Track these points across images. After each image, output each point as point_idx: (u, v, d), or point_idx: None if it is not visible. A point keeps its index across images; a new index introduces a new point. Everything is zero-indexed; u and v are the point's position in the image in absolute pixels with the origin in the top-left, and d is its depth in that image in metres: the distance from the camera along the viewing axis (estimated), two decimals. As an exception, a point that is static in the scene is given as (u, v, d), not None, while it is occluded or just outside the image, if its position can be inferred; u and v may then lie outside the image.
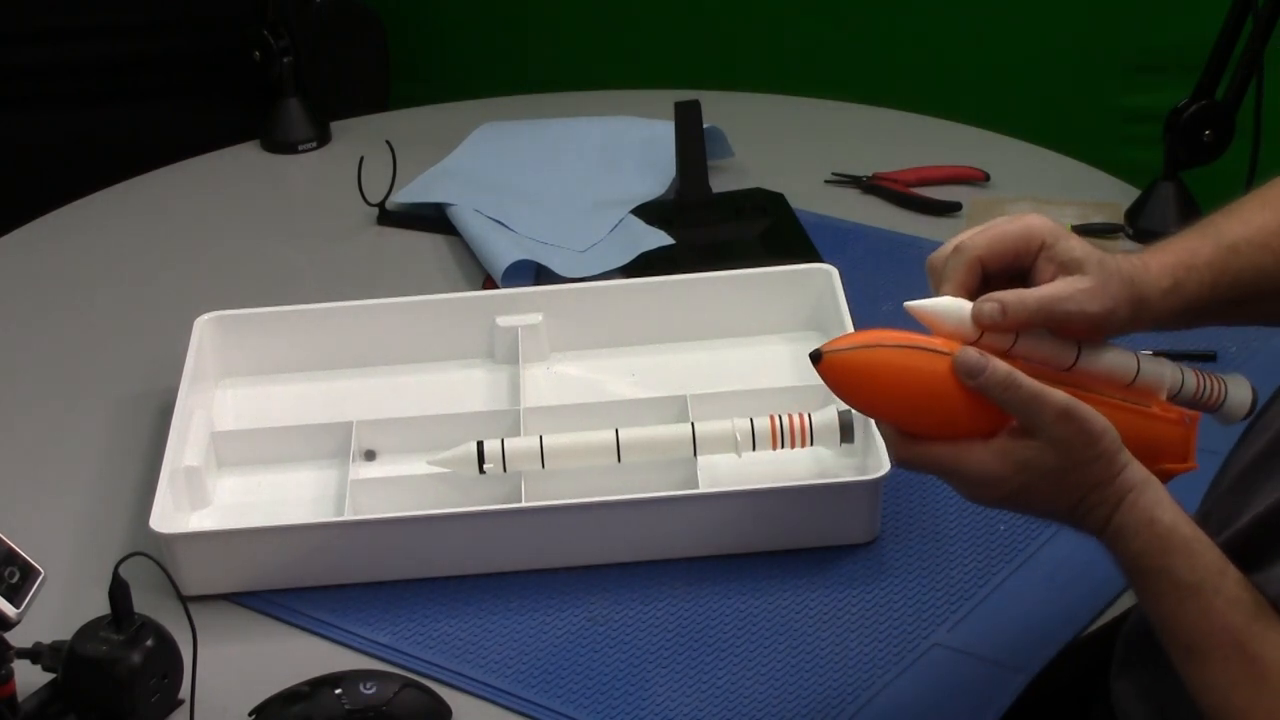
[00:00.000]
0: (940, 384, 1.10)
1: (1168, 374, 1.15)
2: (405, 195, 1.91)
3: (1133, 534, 1.06)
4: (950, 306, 1.11)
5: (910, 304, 1.10)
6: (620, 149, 1.98)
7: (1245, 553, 1.08)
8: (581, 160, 1.98)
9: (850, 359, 1.10)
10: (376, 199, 1.90)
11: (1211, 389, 1.18)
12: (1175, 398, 1.17)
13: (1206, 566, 1.05)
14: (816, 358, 1.10)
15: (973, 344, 1.10)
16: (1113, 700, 1.23)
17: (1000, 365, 1.07)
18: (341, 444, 1.48)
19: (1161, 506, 1.06)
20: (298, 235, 1.91)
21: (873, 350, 1.10)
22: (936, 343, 1.11)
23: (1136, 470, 1.07)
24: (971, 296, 1.11)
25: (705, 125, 1.86)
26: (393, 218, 1.90)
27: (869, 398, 1.11)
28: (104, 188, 2.02)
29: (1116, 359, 1.13)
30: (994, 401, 1.08)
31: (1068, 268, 1.11)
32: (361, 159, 1.91)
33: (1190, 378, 1.17)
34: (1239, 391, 1.19)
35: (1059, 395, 1.07)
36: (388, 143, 1.91)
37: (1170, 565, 1.05)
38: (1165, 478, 1.13)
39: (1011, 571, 1.35)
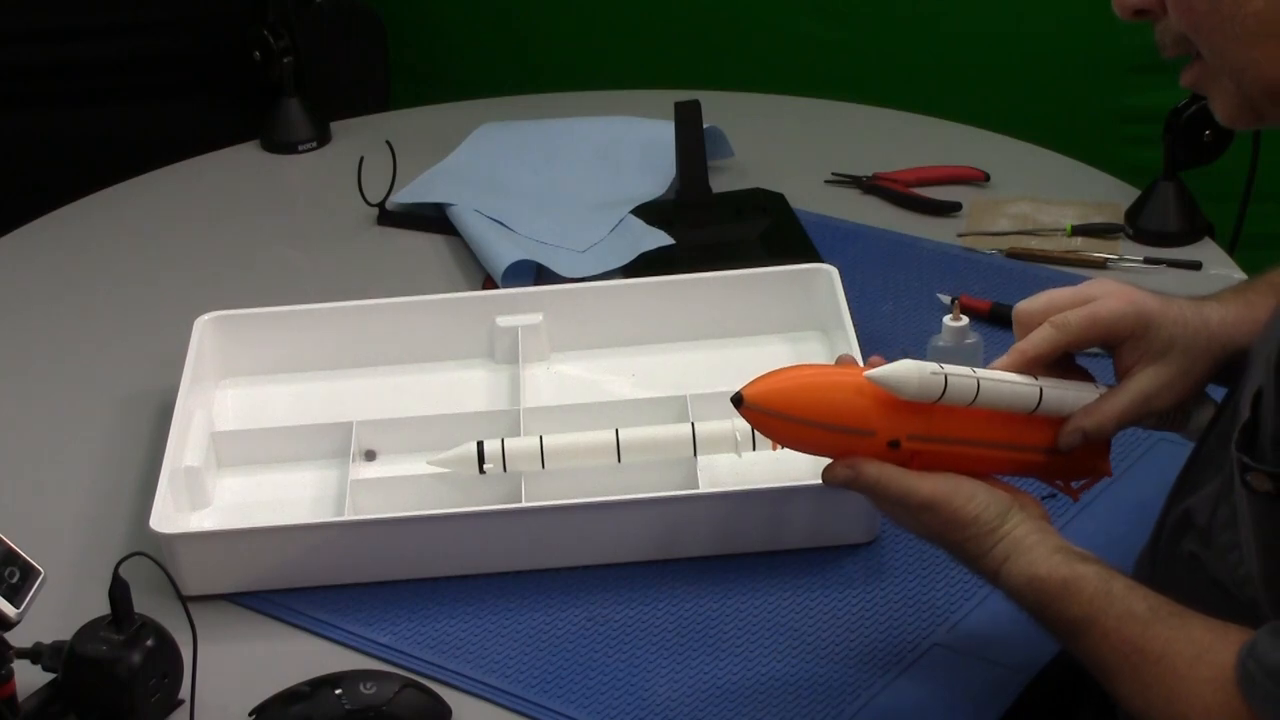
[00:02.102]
0: (852, 452, 1.16)
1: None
2: (405, 195, 1.91)
3: (1019, 595, 1.15)
4: (910, 372, 1.14)
5: (870, 373, 1.14)
6: (620, 149, 1.98)
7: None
8: (581, 160, 1.98)
9: (764, 421, 1.15)
10: (376, 199, 1.90)
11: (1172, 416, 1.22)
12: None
13: (1090, 598, 1.11)
14: (737, 401, 1.15)
15: (933, 404, 1.15)
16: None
17: (868, 472, 1.16)
18: (341, 444, 1.48)
19: (1037, 563, 1.13)
20: (298, 235, 1.91)
21: (788, 424, 1.15)
22: (856, 414, 1.15)
23: (1012, 540, 1.15)
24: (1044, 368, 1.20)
25: (705, 125, 1.86)
26: (393, 218, 1.90)
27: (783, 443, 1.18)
28: (104, 188, 2.02)
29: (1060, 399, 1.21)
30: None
31: (1155, 352, 1.19)
32: (361, 159, 1.91)
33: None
34: (1201, 413, 1.22)
35: (925, 491, 1.15)
36: (388, 143, 1.91)
37: (1058, 611, 1.12)
38: (1090, 486, 1.24)
39: (1011, 571, 1.35)
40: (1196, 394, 1.22)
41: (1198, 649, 1.06)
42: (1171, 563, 1.19)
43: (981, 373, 1.17)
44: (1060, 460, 1.22)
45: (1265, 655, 1.02)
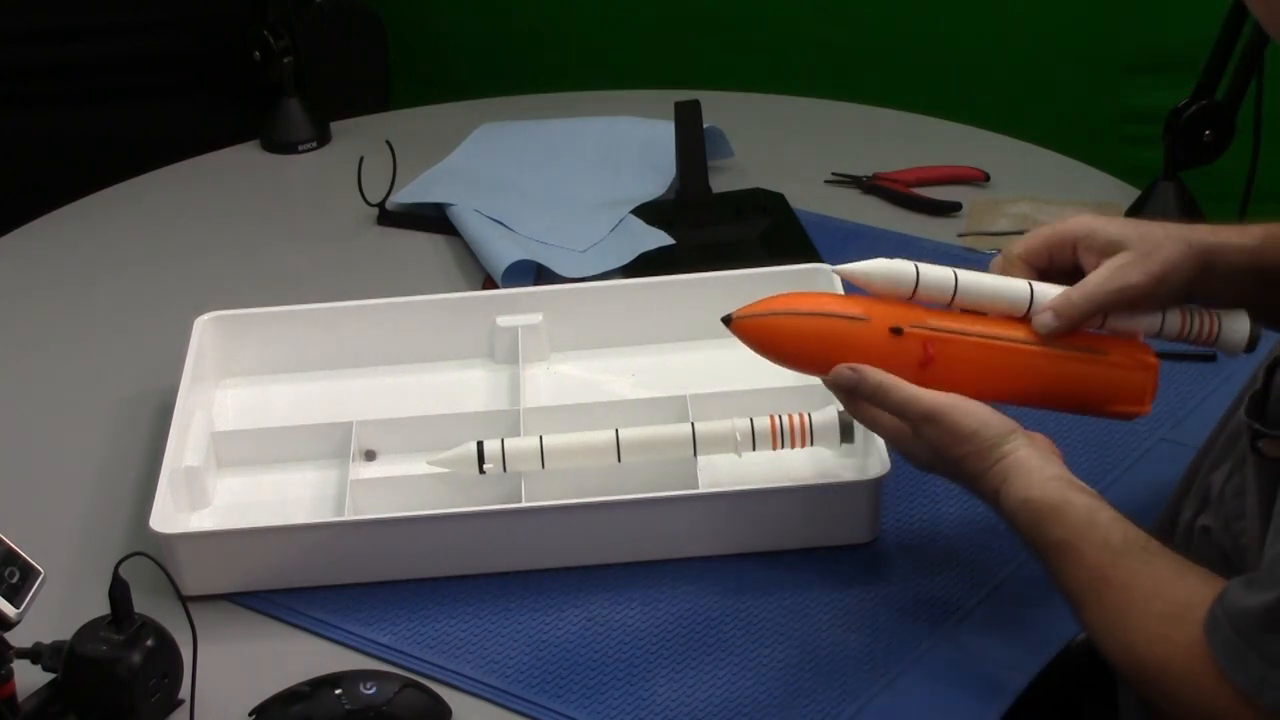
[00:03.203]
0: (850, 349, 1.19)
1: (1144, 317, 1.19)
2: (405, 195, 1.91)
3: (1013, 516, 1.18)
4: (878, 268, 1.19)
5: (839, 267, 1.20)
6: (620, 149, 1.98)
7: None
8: (581, 160, 1.98)
9: (758, 324, 1.19)
10: (376, 199, 1.90)
11: (1201, 324, 1.22)
12: (1159, 335, 1.21)
13: (1074, 524, 1.14)
14: (727, 320, 1.20)
15: (906, 300, 1.20)
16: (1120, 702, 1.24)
17: (870, 377, 1.19)
18: (341, 444, 1.48)
19: (1032, 486, 1.17)
20: (298, 235, 1.91)
21: (781, 318, 1.19)
22: (851, 307, 1.19)
23: (1013, 461, 1.18)
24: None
25: (705, 125, 1.86)
26: (393, 218, 1.90)
27: (778, 358, 1.21)
28: (104, 188, 2.02)
29: None
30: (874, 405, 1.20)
31: (1108, 251, 1.19)
32: (361, 159, 1.91)
33: (1174, 317, 1.22)
34: (1234, 324, 1.23)
35: (926, 401, 1.18)
36: (388, 143, 1.91)
37: (1043, 533, 1.16)
38: (1124, 418, 1.20)
39: (1011, 571, 1.35)
40: (1182, 281, 1.22)
41: (1157, 584, 1.09)
42: (1189, 535, 1.20)
43: (961, 270, 1.21)
44: (1090, 378, 1.22)
45: (1232, 603, 1.03)
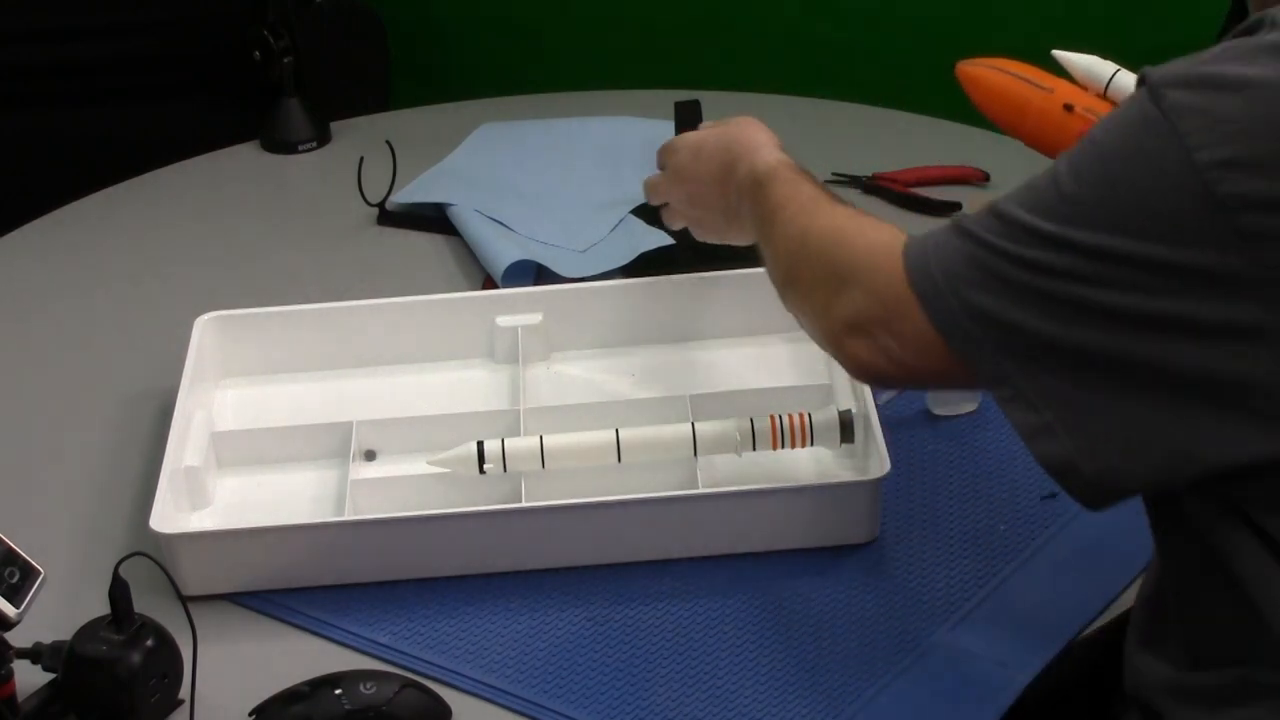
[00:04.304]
0: (1029, 110, 1.47)
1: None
2: (405, 195, 1.91)
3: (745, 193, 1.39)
4: (1082, 60, 1.46)
5: (1056, 51, 1.48)
6: (620, 149, 1.98)
7: None
8: (582, 160, 1.98)
9: (969, 72, 1.50)
10: (376, 199, 1.90)
11: None
12: None
13: (780, 197, 1.35)
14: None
15: (1097, 94, 1.45)
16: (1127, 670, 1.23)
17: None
18: (341, 444, 1.48)
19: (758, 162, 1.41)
20: (298, 235, 1.91)
21: (988, 70, 1.50)
22: (1044, 80, 1.47)
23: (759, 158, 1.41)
24: None
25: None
26: (393, 218, 1.90)
27: (978, 103, 1.51)
28: (104, 188, 2.02)
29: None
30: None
31: None
32: (361, 159, 1.91)
33: None
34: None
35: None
36: (388, 143, 1.91)
37: (757, 201, 1.36)
38: None
39: (1012, 571, 1.35)
40: None
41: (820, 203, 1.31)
42: None
43: None
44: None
45: (938, 235, 1.13)
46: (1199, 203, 0.99)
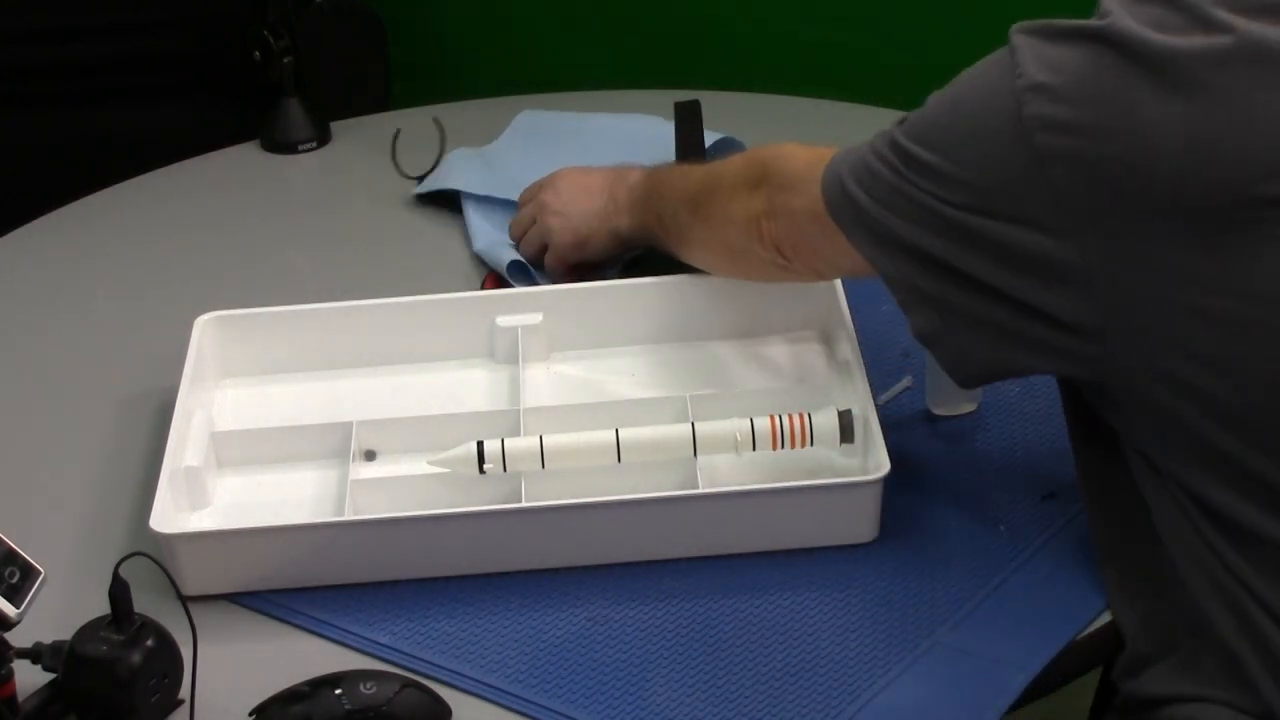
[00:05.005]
0: None
1: None
2: (433, 182, 1.90)
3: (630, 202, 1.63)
4: None
5: None
6: (636, 146, 1.96)
7: None
8: (603, 159, 1.96)
9: None
10: (376, 195, 1.89)
11: None
12: None
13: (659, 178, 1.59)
14: None
15: None
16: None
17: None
18: (341, 444, 1.48)
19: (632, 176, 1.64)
20: (297, 235, 1.91)
21: None
22: None
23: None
24: None
25: (721, 135, 1.85)
26: (427, 196, 1.90)
27: None
28: (104, 188, 2.02)
29: None
30: None
31: None
32: (398, 131, 1.95)
33: None
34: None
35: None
36: (435, 119, 1.92)
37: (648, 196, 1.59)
38: None
39: (1011, 571, 1.35)
40: None
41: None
42: None
43: None
44: None
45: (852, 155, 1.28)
46: (1007, 121, 1.14)
